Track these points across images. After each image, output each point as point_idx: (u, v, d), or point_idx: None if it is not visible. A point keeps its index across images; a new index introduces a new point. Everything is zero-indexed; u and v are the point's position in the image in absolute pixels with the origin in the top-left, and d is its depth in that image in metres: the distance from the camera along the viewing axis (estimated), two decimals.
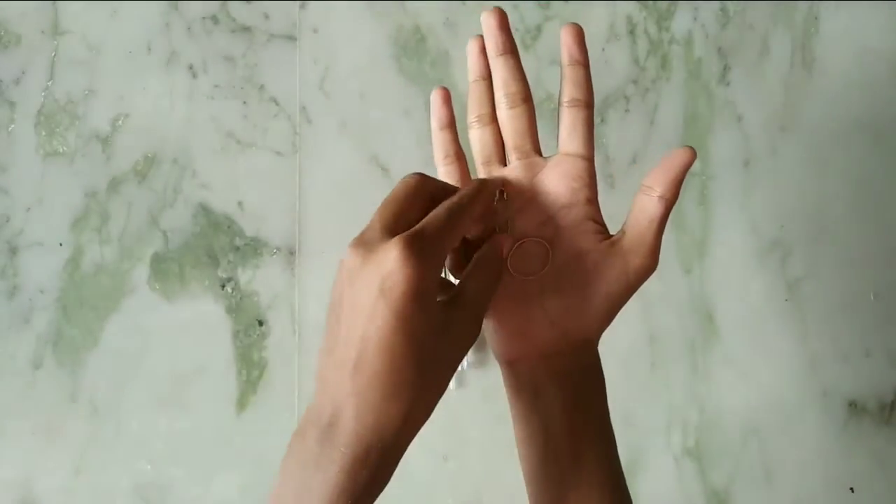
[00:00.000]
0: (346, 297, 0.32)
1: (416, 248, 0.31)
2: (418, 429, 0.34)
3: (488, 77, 0.40)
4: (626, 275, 0.37)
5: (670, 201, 0.37)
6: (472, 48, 0.40)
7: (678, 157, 0.37)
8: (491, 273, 0.36)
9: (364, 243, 0.32)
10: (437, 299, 0.34)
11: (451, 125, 0.41)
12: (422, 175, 0.36)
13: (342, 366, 0.32)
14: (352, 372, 0.32)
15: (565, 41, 0.38)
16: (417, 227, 0.32)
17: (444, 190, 0.36)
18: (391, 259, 0.31)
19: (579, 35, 0.38)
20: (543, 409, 0.38)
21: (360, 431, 0.32)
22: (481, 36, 0.40)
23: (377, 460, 0.32)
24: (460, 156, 0.41)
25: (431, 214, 0.33)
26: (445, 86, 0.41)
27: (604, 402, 0.39)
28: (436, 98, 0.41)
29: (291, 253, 0.61)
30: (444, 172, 0.41)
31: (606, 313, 0.38)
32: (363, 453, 0.32)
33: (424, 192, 0.35)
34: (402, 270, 0.30)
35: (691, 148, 0.37)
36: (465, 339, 0.34)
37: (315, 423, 0.33)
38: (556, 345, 0.38)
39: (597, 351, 0.39)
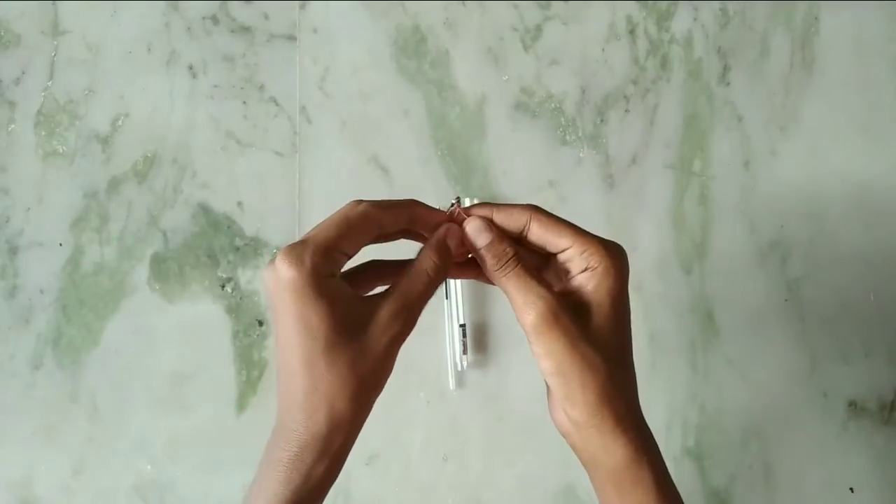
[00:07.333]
0: (270, 306, 0.34)
1: (295, 252, 0.33)
2: (351, 420, 0.34)
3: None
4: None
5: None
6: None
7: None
8: (420, 271, 0.36)
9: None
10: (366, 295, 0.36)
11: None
12: (366, 205, 0.36)
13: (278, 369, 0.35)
14: (278, 373, 0.35)
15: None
16: (304, 236, 0.35)
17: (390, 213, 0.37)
18: (277, 267, 0.33)
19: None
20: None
21: (293, 428, 0.34)
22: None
23: (314, 455, 0.34)
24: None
25: (319, 225, 0.35)
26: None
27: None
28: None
29: None
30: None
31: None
32: (299, 451, 0.34)
33: (366, 223, 0.36)
34: (282, 275, 0.33)
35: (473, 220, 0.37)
36: (378, 329, 0.34)
37: (275, 428, 0.35)
38: None
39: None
